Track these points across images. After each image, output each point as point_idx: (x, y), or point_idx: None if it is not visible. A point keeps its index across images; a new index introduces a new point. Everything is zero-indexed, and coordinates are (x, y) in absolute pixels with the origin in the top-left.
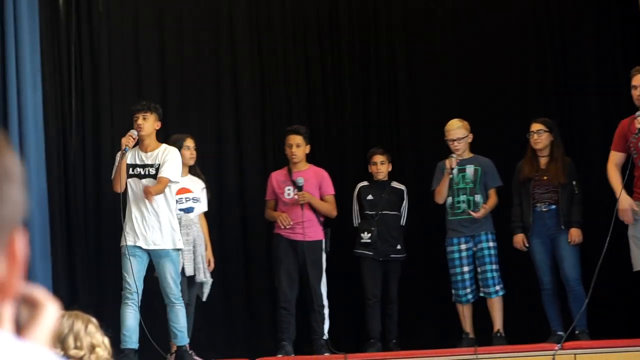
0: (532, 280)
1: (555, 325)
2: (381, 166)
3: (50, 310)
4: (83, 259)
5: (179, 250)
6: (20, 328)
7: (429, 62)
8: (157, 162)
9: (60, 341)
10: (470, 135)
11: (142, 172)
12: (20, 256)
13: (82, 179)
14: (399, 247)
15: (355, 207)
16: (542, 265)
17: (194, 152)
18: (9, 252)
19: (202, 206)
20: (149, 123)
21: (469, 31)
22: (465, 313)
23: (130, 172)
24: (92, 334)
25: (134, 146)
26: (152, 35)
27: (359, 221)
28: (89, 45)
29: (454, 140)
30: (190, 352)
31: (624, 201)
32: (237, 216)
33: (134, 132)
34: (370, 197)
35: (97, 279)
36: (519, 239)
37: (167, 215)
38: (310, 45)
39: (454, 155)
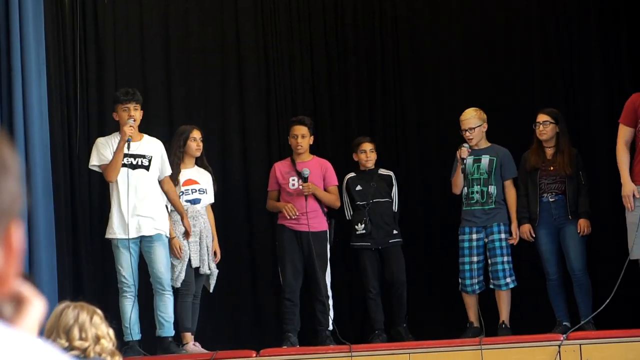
0: (538, 270)
1: (561, 316)
2: (370, 154)
3: (36, 306)
4: (88, 250)
5: (168, 238)
6: (4, 322)
7: (435, 53)
8: (150, 154)
9: (65, 332)
10: (485, 125)
11: (134, 162)
12: (17, 248)
13: (87, 172)
14: (395, 231)
15: (346, 199)
16: (548, 255)
17: (201, 144)
18: (6, 243)
19: (209, 198)
20: (139, 113)
21: (474, 21)
22: (471, 303)
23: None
24: (97, 325)
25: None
26: (157, 27)
27: (351, 213)
28: (94, 38)
29: (467, 130)
30: (195, 343)
31: (627, 186)
32: (242, 208)
33: (133, 122)
34: (359, 187)
35: (102, 270)
36: (526, 229)
37: (160, 204)
38: (315, 37)
39: (465, 145)
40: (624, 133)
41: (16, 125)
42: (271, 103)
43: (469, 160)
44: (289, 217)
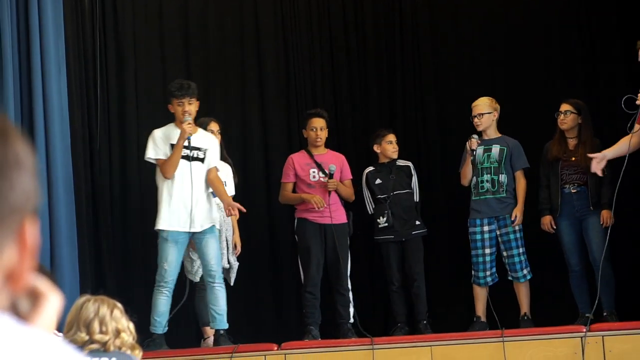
0: (560, 262)
1: (583, 308)
2: (396, 145)
3: (53, 301)
4: (109, 244)
5: (219, 231)
6: (21, 319)
7: (455, 44)
8: (204, 147)
9: (85, 325)
10: (496, 113)
11: (191, 155)
12: (31, 244)
13: (107, 165)
14: (417, 222)
15: (367, 193)
16: (570, 247)
17: (219, 136)
18: (21, 240)
19: (229, 190)
20: (194, 107)
21: (496, 10)
22: (481, 296)
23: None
24: (118, 319)
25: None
26: (176, 20)
27: (373, 207)
28: (114, 31)
29: (476, 115)
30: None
31: (602, 154)
32: (262, 200)
33: (189, 119)
34: (378, 180)
35: (123, 264)
36: (547, 221)
37: (211, 198)
38: (335, 29)
39: (474, 136)
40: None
41: (36, 120)
42: (291, 96)
43: (479, 150)
44: (317, 209)
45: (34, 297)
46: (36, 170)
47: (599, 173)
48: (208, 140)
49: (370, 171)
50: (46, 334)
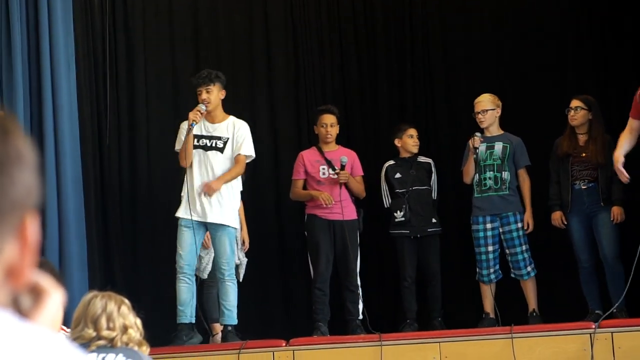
0: (570, 258)
1: (593, 304)
2: (417, 140)
3: (55, 298)
4: (118, 241)
5: (236, 229)
6: (22, 315)
7: (465, 39)
8: (226, 136)
9: (93, 321)
10: (498, 110)
11: (208, 144)
12: (32, 241)
13: (117, 162)
14: (434, 220)
15: (384, 187)
16: (580, 243)
17: None
18: (21, 236)
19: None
20: (213, 95)
21: (506, 6)
22: (487, 293)
23: (195, 142)
24: (125, 315)
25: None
26: (186, 16)
27: (390, 201)
28: (123, 28)
29: (479, 112)
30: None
31: (616, 160)
32: (271, 197)
33: (202, 107)
34: (398, 175)
35: (132, 260)
36: (557, 217)
37: (232, 192)
38: (345, 24)
39: (477, 134)
40: (631, 123)
41: (45, 117)
42: (300, 92)
43: (482, 147)
44: (325, 206)
45: (36, 293)
46: (37, 165)
47: (625, 179)
48: (233, 129)
49: (390, 165)
50: (47, 331)
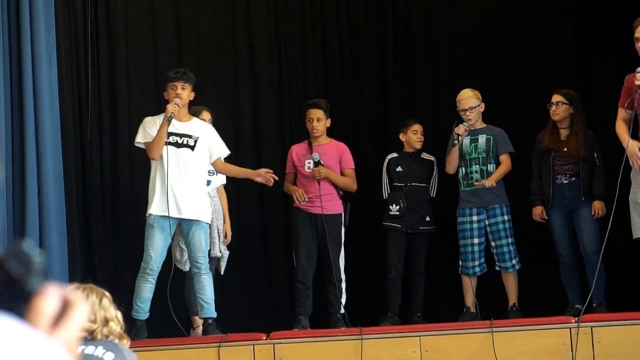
0: (550, 253)
1: (574, 299)
2: (421, 135)
3: (81, 312)
4: (99, 233)
5: (208, 224)
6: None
7: (448, 33)
8: (196, 135)
9: None
10: (482, 105)
11: (180, 141)
12: None
13: (98, 155)
14: (427, 219)
15: (385, 179)
16: (561, 238)
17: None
18: None
19: (220, 179)
20: (186, 93)
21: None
22: (469, 287)
23: (166, 139)
24: (106, 307)
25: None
26: (168, 10)
27: (389, 192)
28: (105, 22)
29: (466, 110)
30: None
31: (632, 145)
32: (254, 190)
33: (178, 101)
34: (399, 168)
35: (113, 253)
36: (538, 211)
37: (202, 189)
38: (328, 18)
39: (465, 123)
40: (621, 113)
41: (26, 110)
42: (283, 85)
43: (466, 141)
44: (298, 202)
45: (64, 306)
46: None
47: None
48: (201, 129)
49: (393, 157)
50: (75, 343)
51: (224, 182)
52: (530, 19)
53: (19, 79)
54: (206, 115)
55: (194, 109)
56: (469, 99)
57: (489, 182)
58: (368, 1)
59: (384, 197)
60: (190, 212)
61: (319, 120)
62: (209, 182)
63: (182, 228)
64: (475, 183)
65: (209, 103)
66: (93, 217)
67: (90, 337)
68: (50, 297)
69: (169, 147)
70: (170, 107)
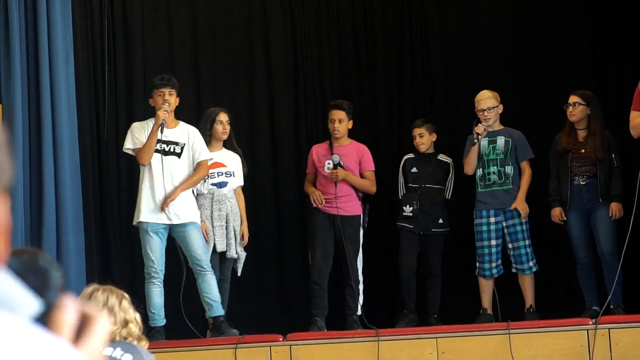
0: (568, 254)
1: (591, 300)
2: (420, 139)
3: (103, 325)
4: (116, 234)
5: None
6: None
7: (464, 33)
8: (183, 141)
9: None
10: (501, 106)
11: (167, 149)
12: (2, 222)
13: (115, 156)
14: (440, 221)
15: (401, 179)
16: (578, 239)
17: (227, 127)
18: None
19: (237, 180)
20: (173, 99)
21: (504, 1)
22: (486, 288)
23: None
24: (126, 309)
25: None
26: (184, 9)
27: (404, 193)
28: (122, 21)
29: (484, 110)
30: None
31: None
32: (270, 190)
33: (167, 107)
34: (414, 169)
35: (130, 254)
36: (557, 213)
37: (190, 193)
38: (343, 18)
39: (484, 123)
40: (634, 115)
41: (44, 109)
42: (299, 84)
43: (484, 142)
44: (314, 205)
45: (84, 321)
46: (9, 146)
47: None
48: (187, 134)
49: (409, 158)
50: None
51: (242, 183)
52: (545, 19)
53: (37, 79)
54: (224, 116)
55: (210, 111)
56: (487, 99)
57: (524, 214)
58: (384, 1)
59: (399, 198)
60: (181, 216)
61: (340, 121)
62: (225, 184)
63: (175, 233)
64: (522, 218)
65: (225, 102)
66: (110, 218)
67: (108, 339)
68: (68, 310)
69: (156, 154)
70: (161, 114)
